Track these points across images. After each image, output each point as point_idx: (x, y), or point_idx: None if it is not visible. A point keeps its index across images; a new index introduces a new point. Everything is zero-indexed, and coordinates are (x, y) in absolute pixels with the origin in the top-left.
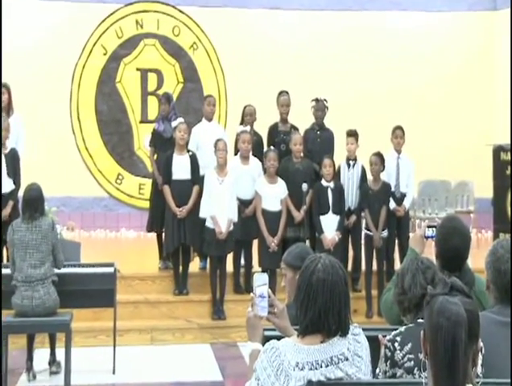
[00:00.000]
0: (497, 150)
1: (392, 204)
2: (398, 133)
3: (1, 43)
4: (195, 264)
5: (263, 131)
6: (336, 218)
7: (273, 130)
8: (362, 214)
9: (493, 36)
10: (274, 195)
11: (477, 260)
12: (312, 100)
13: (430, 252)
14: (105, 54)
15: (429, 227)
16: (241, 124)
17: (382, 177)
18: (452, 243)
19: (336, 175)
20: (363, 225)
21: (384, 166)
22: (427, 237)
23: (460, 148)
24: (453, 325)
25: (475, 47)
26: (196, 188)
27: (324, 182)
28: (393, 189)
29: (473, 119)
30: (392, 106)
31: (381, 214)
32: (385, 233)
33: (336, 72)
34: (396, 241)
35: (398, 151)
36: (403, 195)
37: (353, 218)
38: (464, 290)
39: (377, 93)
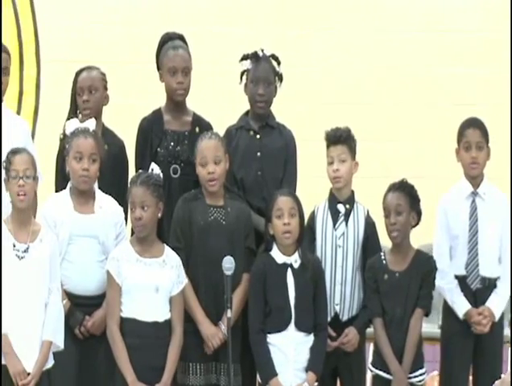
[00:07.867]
0: None
1: (461, 305)
2: (474, 135)
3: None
4: None
5: (129, 130)
6: (307, 339)
7: (149, 128)
8: (370, 328)
9: None
10: (154, 286)
11: None
12: (243, 58)
13: None
14: None
15: None
16: (73, 113)
17: (417, 240)
18: None
19: (307, 238)
20: (369, 356)
21: (417, 214)
22: None
23: None
24: None
25: None
26: None
27: (276, 255)
28: (462, 270)
29: None
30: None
31: (411, 329)
32: (421, 377)
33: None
34: None
35: (475, 180)
36: (491, 284)
37: (350, 337)
38: None
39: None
